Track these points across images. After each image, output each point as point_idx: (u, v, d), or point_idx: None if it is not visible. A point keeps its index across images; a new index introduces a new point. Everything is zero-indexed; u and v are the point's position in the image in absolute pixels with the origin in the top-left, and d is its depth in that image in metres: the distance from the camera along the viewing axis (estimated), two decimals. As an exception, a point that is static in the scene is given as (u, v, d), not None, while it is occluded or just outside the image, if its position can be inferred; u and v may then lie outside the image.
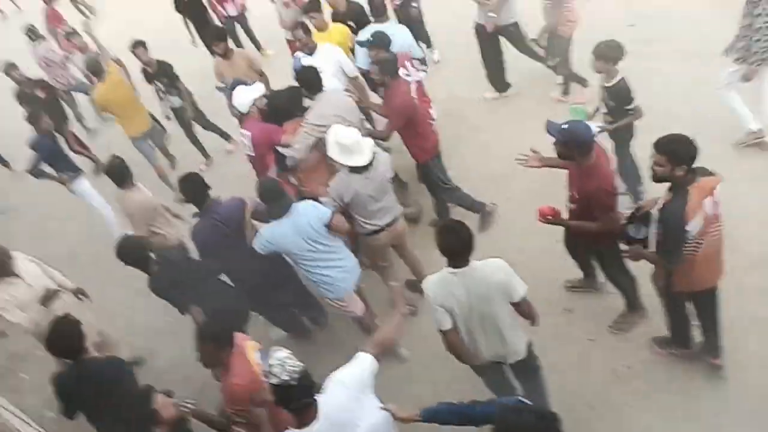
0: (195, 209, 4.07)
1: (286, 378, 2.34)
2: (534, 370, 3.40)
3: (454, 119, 6.29)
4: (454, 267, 2.91)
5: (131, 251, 3.90)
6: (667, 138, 3.00)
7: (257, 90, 4.67)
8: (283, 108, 4.55)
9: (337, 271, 3.95)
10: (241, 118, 4.69)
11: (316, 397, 2.44)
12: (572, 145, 3.38)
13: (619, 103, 4.32)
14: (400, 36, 5.19)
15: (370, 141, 3.92)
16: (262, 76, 5.87)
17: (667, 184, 3.11)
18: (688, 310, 3.56)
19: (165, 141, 7.15)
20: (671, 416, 3.58)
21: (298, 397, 2.39)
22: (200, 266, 4.13)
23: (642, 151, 4.08)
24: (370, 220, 4.08)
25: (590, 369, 3.96)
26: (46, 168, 6.00)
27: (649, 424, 3.59)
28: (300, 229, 3.73)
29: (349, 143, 3.79)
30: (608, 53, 4.21)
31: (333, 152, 3.86)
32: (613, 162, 3.93)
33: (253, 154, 4.63)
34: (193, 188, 4.05)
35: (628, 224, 3.41)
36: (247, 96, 4.59)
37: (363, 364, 2.62)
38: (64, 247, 6.44)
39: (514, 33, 6.09)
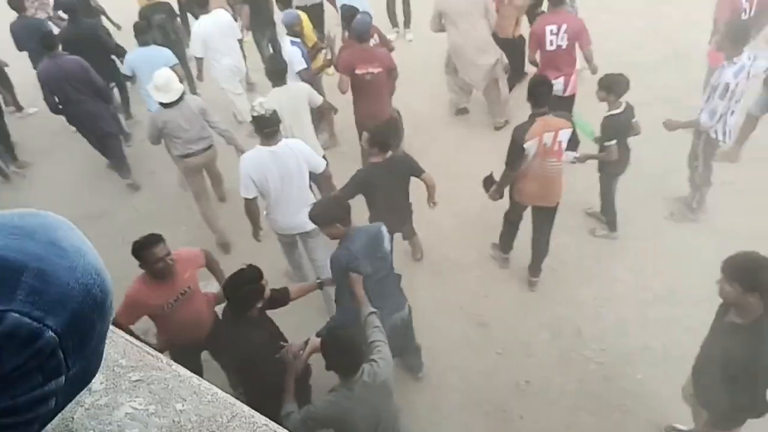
0: None
1: (263, 112, 3.79)
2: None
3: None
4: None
5: None
6: (530, 81, 4.04)
7: None
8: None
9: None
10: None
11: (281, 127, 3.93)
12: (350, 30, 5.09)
13: (602, 136, 4.37)
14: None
15: (180, 86, 4.76)
16: None
17: None
18: (517, 221, 4.47)
19: None
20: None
21: (270, 125, 3.84)
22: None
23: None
24: (186, 145, 4.92)
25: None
26: None
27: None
28: (150, 59, 5.37)
29: (161, 84, 4.64)
30: (612, 86, 4.24)
31: (150, 89, 4.76)
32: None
33: None
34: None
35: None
36: None
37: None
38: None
39: None
